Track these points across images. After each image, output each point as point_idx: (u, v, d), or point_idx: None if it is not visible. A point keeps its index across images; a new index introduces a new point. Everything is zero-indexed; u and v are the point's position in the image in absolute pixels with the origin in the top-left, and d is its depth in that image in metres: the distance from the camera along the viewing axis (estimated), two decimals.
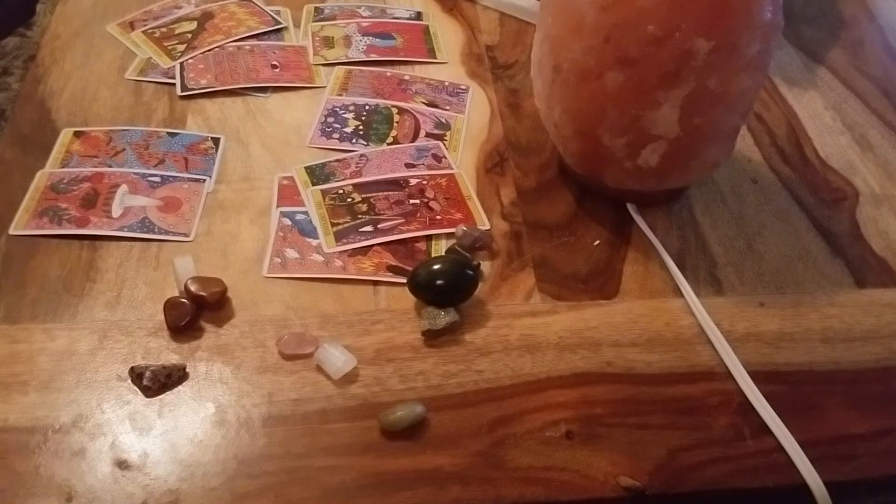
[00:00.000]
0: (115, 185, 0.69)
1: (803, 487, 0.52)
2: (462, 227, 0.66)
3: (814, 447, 0.54)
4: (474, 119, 0.79)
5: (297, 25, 0.89)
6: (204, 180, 0.70)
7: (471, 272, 0.61)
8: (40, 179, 0.69)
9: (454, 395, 0.56)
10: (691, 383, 0.58)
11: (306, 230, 0.66)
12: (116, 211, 0.67)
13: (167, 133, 0.74)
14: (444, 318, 0.59)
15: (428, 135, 0.77)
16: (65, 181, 0.69)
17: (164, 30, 0.86)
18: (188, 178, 0.70)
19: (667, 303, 0.63)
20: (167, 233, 0.65)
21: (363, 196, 0.69)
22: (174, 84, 0.80)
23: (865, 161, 0.77)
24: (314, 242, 0.65)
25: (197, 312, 0.59)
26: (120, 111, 0.77)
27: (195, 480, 0.51)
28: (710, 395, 0.57)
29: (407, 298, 0.61)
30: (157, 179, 0.70)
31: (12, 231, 0.65)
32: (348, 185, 0.70)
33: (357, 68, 0.84)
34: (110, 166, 0.70)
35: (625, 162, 0.65)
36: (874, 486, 0.54)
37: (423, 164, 0.73)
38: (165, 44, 0.84)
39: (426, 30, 0.90)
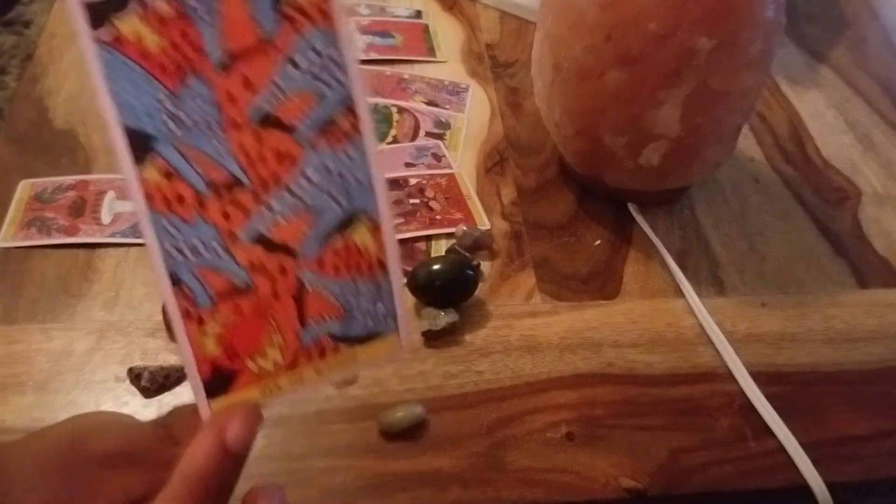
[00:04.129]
0: (102, 191, 0.68)
1: (805, 489, 0.52)
2: (462, 227, 0.65)
3: (816, 448, 0.54)
4: (474, 118, 0.79)
5: None
6: None
7: (471, 272, 0.60)
8: (23, 190, 0.67)
9: (454, 395, 0.56)
10: (693, 384, 0.58)
11: None
12: (106, 217, 0.66)
13: None
14: (443, 318, 0.59)
15: (428, 134, 0.76)
16: (48, 191, 0.68)
17: None
18: None
19: (668, 303, 0.63)
20: None
21: None
22: None
23: (868, 160, 0.77)
24: None
25: None
26: None
27: None
28: (711, 396, 0.57)
29: (407, 299, 0.61)
30: None
31: (0, 244, 0.63)
32: None
33: None
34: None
35: (626, 161, 0.64)
36: (876, 488, 0.54)
37: (422, 164, 0.73)
38: None
39: (426, 28, 0.90)
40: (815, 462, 0.53)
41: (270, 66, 0.30)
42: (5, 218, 0.65)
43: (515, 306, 0.62)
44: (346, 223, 0.33)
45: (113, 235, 0.65)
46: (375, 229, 0.34)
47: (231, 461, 0.33)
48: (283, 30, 0.30)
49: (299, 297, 0.33)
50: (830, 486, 0.52)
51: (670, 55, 0.58)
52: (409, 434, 0.53)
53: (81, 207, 0.66)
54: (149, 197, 0.30)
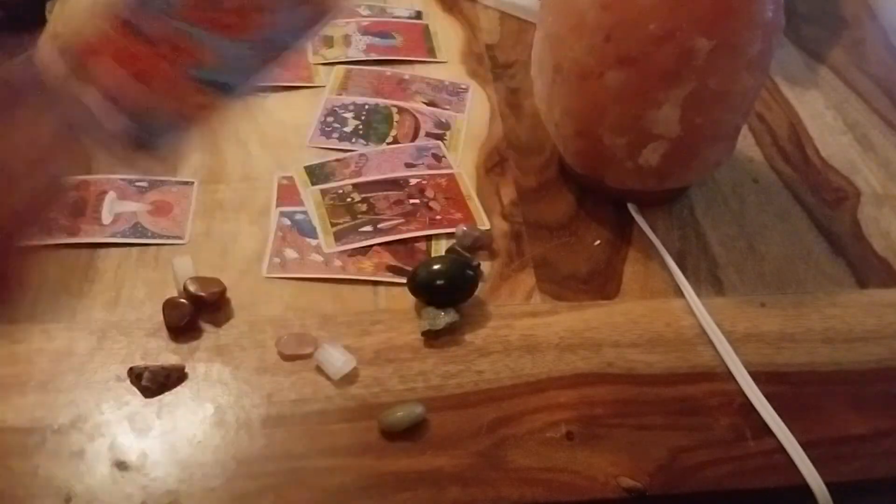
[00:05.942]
0: (103, 192, 0.68)
1: (805, 488, 0.52)
2: (462, 227, 0.65)
3: (815, 448, 0.54)
4: (474, 119, 0.79)
5: None
6: (192, 182, 0.70)
7: (471, 272, 0.61)
8: None
9: (454, 395, 0.56)
10: (692, 384, 0.58)
11: (306, 230, 0.66)
12: (107, 218, 0.66)
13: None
14: (444, 318, 0.59)
15: (428, 134, 0.76)
16: None
17: None
18: (176, 182, 0.70)
19: (667, 303, 0.63)
20: (161, 237, 0.65)
21: (363, 196, 0.69)
22: None
23: (867, 161, 0.77)
24: (314, 242, 0.65)
25: (196, 313, 0.59)
26: None
27: (194, 481, 0.51)
28: (711, 395, 0.57)
29: (407, 298, 0.61)
30: (145, 184, 0.69)
31: None
32: (348, 184, 0.70)
33: (357, 67, 0.84)
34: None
35: (625, 162, 0.64)
36: (876, 487, 0.54)
37: (422, 164, 0.73)
38: None
39: (426, 29, 0.90)
40: (815, 461, 0.53)
41: None
42: None
43: (515, 306, 0.62)
44: None
45: (114, 235, 0.65)
46: None
47: None
48: None
49: None
50: (830, 485, 0.52)
51: (670, 56, 0.58)
52: (409, 434, 0.53)
53: (82, 207, 0.67)
54: None
